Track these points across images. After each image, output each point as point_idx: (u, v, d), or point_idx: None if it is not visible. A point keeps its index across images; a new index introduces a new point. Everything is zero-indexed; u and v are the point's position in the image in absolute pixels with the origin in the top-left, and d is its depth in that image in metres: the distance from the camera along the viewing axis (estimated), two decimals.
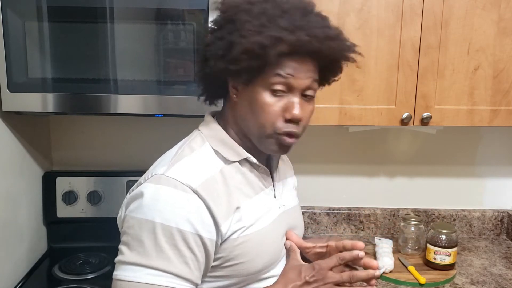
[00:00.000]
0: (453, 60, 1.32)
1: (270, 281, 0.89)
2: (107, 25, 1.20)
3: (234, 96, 0.87)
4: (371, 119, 1.35)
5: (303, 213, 1.68)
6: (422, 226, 1.53)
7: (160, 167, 0.83)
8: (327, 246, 0.93)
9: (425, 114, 1.34)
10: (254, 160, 0.89)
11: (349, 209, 1.73)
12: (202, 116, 1.15)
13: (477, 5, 1.29)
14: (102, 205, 1.55)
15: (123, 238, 0.79)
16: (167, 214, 0.76)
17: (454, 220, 1.73)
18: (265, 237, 0.87)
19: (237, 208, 0.83)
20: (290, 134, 0.84)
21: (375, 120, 1.35)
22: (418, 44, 1.31)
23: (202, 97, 0.96)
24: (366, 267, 0.85)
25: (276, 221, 0.90)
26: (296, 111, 0.82)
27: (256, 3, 0.81)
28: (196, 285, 0.79)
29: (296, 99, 0.83)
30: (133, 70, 1.23)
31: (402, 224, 1.55)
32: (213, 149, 0.87)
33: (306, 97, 0.85)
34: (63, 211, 1.55)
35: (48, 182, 1.55)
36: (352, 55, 0.88)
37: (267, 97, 0.82)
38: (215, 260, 0.82)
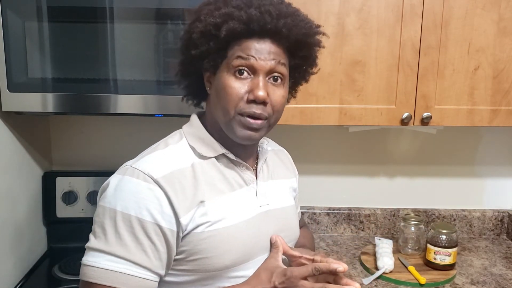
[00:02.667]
0: (453, 60, 1.32)
1: (241, 281, 0.87)
2: (107, 25, 1.20)
3: (208, 89, 0.89)
4: (371, 119, 1.35)
5: (303, 213, 1.69)
6: (422, 226, 1.53)
7: (133, 159, 0.86)
8: (313, 260, 0.88)
9: (425, 114, 1.34)
10: (231, 156, 0.89)
11: (349, 209, 1.73)
12: None
13: (477, 5, 1.29)
14: None
15: (93, 226, 0.82)
16: (127, 202, 0.78)
17: (454, 220, 1.73)
18: (236, 233, 0.85)
19: (201, 202, 0.83)
20: (253, 116, 0.82)
21: (375, 120, 1.35)
22: (418, 44, 1.31)
23: (187, 98, 0.98)
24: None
25: (252, 220, 0.89)
26: (259, 92, 0.81)
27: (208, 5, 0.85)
28: (158, 274, 0.80)
29: (260, 81, 0.82)
30: (133, 70, 1.23)
31: (402, 224, 1.55)
32: (190, 145, 0.88)
33: (275, 81, 0.84)
34: (63, 211, 1.55)
35: (48, 182, 1.55)
36: (317, 37, 0.88)
37: (230, 80, 0.82)
38: (179, 253, 0.82)
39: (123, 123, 1.64)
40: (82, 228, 1.58)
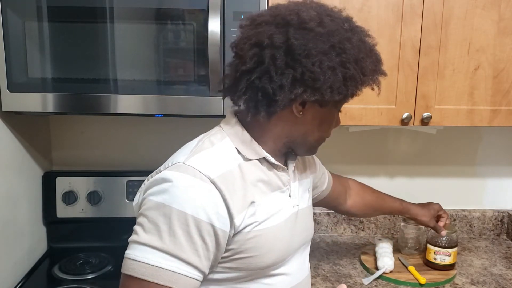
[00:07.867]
0: (453, 60, 1.32)
1: (279, 278, 0.92)
2: (107, 25, 1.20)
3: (300, 113, 0.87)
4: (371, 119, 1.35)
5: None
6: (422, 226, 1.53)
7: (180, 156, 0.85)
8: None
9: (425, 114, 1.34)
10: (272, 159, 0.90)
11: None
12: (202, 116, 1.14)
13: (477, 5, 1.29)
14: (102, 205, 1.55)
15: (139, 219, 0.80)
16: (184, 201, 0.77)
17: (454, 220, 1.73)
18: (278, 234, 0.88)
19: (252, 202, 0.84)
20: None
21: (375, 120, 1.35)
22: (418, 44, 1.31)
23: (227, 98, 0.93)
24: None
25: (288, 220, 0.92)
26: (339, 121, 0.98)
27: (349, 32, 0.85)
28: (204, 273, 0.80)
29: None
30: (133, 70, 1.23)
31: (402, 224, 1.55)
32: (234, 146, 0.89)
33: None
34: (63, 211, 1.55)
35: (48, 182, 1.55)
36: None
37: (336, 115, 0.95)
38: (225, 251, 0.83)
39: (123, 123, 1.64)
40: (82, 228, 1.60)
